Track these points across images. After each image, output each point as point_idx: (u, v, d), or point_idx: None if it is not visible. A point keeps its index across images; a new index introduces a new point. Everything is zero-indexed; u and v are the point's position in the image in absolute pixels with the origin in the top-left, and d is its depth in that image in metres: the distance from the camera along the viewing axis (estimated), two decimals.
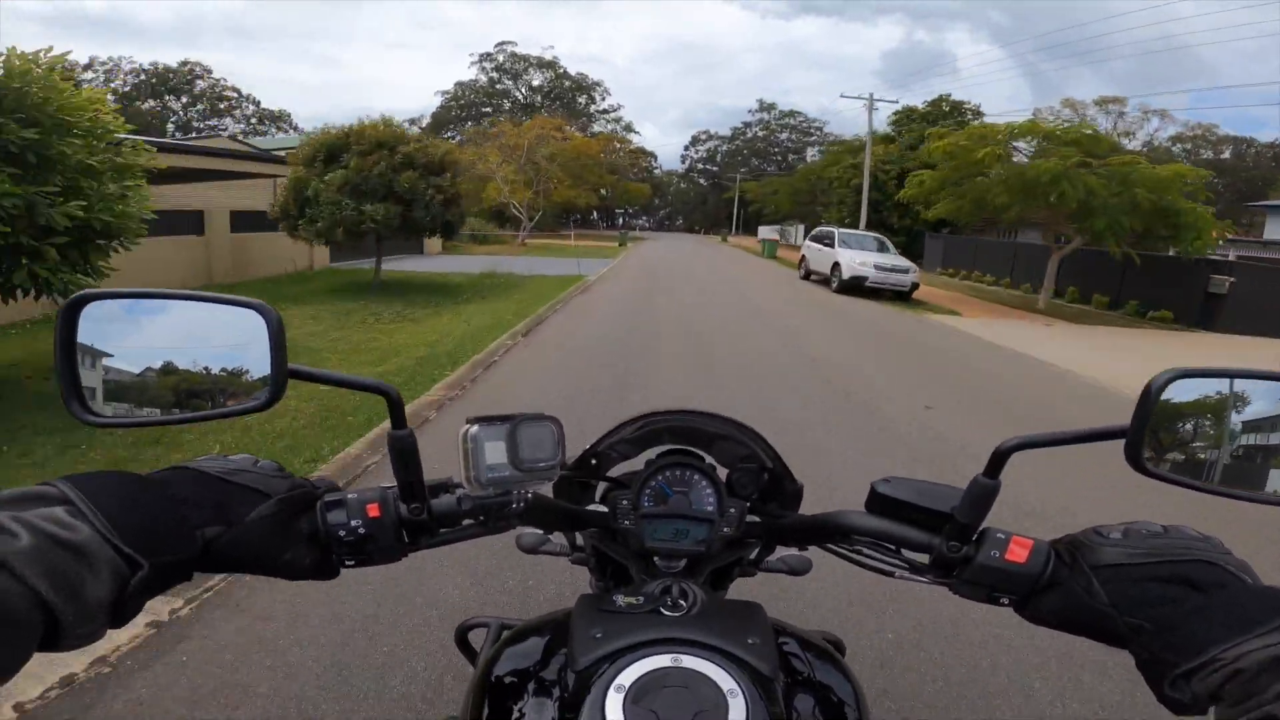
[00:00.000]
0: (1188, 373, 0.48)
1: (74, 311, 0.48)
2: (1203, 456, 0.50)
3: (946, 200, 15.62)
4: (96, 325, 0.48)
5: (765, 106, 74.80)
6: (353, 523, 0.53)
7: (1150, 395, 0.47)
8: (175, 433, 3.73)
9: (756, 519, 0.78)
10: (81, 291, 0.49)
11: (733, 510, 0.76)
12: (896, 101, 26.97)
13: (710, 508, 0.77)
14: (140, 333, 0.50)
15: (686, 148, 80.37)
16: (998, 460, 0.52)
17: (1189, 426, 0.50)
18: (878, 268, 14.16)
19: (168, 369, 0.50)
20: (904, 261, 14.90)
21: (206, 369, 0.51)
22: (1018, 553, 0.52)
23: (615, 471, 0.84)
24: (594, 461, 0.82)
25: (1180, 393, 0.48)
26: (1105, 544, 0.50)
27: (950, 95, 31.35)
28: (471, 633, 0.88)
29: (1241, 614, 0.41)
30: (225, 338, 0.50)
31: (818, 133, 70.56)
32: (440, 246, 20.32)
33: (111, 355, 0.49)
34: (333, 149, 10.20)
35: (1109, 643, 0.48)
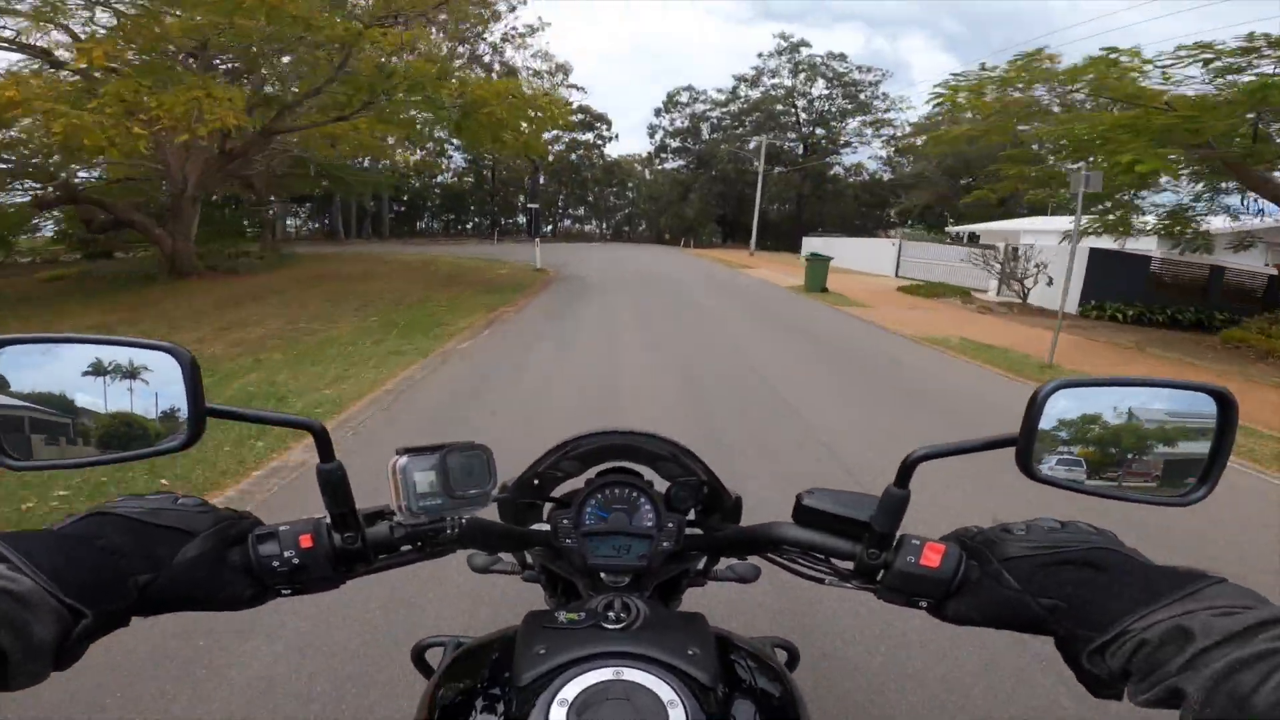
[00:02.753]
0: (1071, 383, 0.51)
1: None
2: (1088, 461, 0.53)
3: None
4: (13, 372, 0.49)
5: (791, 45, 42.12)
6: (286, 554, 0.54)
7: (1036, 404, 0.50)
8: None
9: (699, 532, 0.80)
10: None
11: (670, 525, 0.78)
12: None
13: (649, 523, 0.79)
14: (59, 377, 0.50)
15: (658, 113, 47.46)
16: (905, 471, 0.55)
17: (1075, 434, 0.52)
18: None
19: (88, 412, 0.50)
20: None
21: (127, 410, 0.51)
22: (931, 558, 0.54)
23: (559, 492, 0.85)
24: (536, 482, 0.83)
25: (1065, 402, 0.51)
26: (1011, 539, 0.52)
27: None
28: (428, 651, 0.87)
29: (1147, 587, 0.44)
30: (143, 379, 0.51)
31: (870, 89, 41.61)
32: None
33: (31, 400, 0.49)
34: None
35: (1028, 629, 0.50)
